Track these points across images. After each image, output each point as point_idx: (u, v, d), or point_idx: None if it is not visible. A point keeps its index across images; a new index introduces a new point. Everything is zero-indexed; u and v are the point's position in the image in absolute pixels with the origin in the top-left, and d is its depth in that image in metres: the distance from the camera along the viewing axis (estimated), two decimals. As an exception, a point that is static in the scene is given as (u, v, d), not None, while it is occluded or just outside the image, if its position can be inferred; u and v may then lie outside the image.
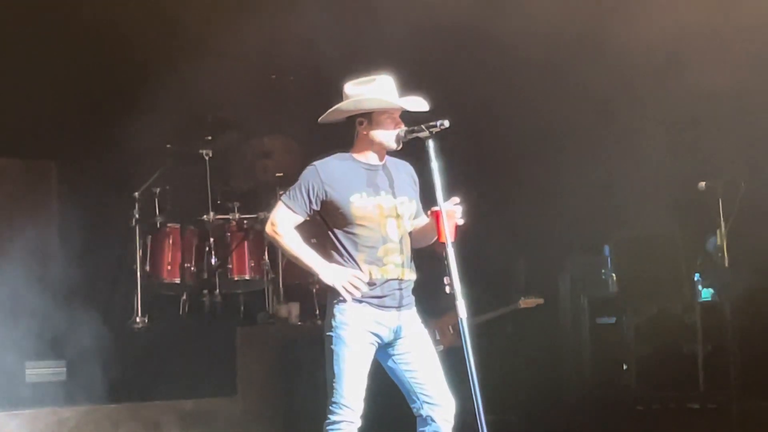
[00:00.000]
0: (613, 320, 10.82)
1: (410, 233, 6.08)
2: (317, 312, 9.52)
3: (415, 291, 6.13)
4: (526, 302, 9.99)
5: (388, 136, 5.91)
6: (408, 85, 6.14)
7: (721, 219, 8.46)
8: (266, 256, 9.59)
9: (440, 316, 9.22)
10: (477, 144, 10.09)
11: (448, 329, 9.37)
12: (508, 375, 10.13)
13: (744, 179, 8.43)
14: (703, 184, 8.49)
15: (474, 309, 9.12)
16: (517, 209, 10.33)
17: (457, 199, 5.81)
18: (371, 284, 5.82)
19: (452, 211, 5.78)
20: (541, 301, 10.04)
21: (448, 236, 5.71)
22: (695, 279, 10.34)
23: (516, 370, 10.31)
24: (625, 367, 10.59)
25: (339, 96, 6.04)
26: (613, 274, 10.78)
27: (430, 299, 6.50)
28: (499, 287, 10.43)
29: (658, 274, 10.28)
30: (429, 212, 5.91)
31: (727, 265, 8.64)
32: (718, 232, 8.55)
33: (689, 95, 8.52)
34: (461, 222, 5.82)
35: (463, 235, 6.06)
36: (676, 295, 10.23)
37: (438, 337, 9.58)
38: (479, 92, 9.46)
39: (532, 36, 8.41)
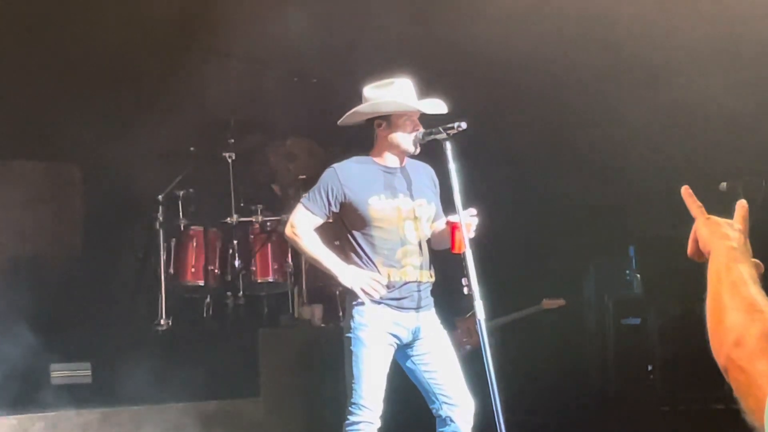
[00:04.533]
0: (637, 321, 10.78)
1: (430, 236, 6.11)
2: (341, 314, 9.50)
3: (441, 291, 6.16)
4: (548, 303, 9.99)
5: (406, 138, 5.93)
6: (429, 88, 6.15)
7: (743, 219, 8.43)
8: (290, 259, 9.58)
9: (467, 315, 9.22)
10: (501, 145, 10.08)
11: (475, 329, 9.35)
12: (532, 376, 10.11)
13: (765, 179, 8.40)
14: (724, 184, 8.46)
15: (498, 310, 9.18)
16: (541, 210, 10.32)
17: (473, 211, 5.82)
18: (389, 287, 5.85)
19: (468, 224, 5.79)
20: (563, 302, 10.04)
21: (467, 247, 5.72)
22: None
23: (540, 371, 10.29)
24: (650, 368, 10.55)
25: (360, 99, 6.08)
26: (638, 275, 10.75)
27: (457, 299, 6.51)
28: (524, 289, 10.42)
29: (682, 274, 10.23)
30: (446, 221, 5.93)
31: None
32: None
33: (709, 94, 8.51)
34: (473, 235, 5.82)
35: (487, 237, 6.08)
36: (701, 296, 10.20)
37: (465, 338, 9.58)
38: (502, 94, 9.45)
39: (550, 38, 8.40)
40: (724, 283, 2.21)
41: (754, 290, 2.16)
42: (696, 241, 2.40)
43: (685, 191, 2.48)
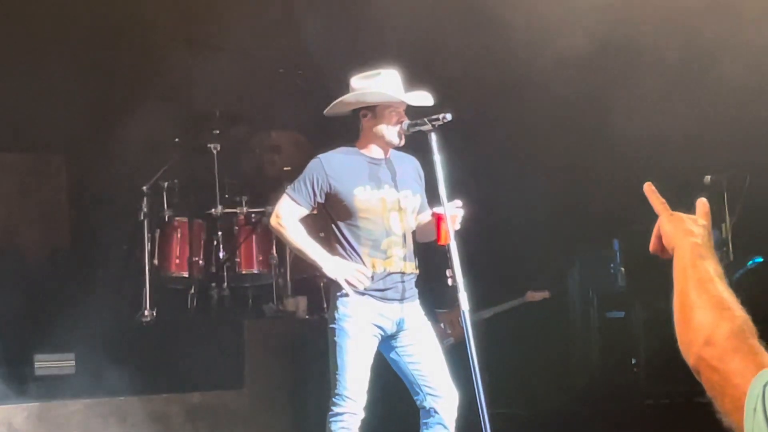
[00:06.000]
0: (622, 314, 10.80)
1: (415, 227, 6.11)
2: (325, 306, 9.49)
3: (424, 283, 6.16)
4: (533, 295, 9.98)
5: (390, 130, 5.93)
6: (416, 80, 6.15)
7: (726, 213, 8.45)
8: (274, 250, 9.56)
9: (450, 308, 9.22)
10: (488, 138, 10.09)
11: (458, 321, 9.35)
12: (517, 369, 10.12)
13: (749, 173, 8.42)
14: (708, 178, 8.47)
15: (482, 303, 9.19)
16: (526, 203, 10.32)
17: (459, 203, 5.82)
18: (373, 278, 5.85)
19: (453, 216, 5.79)
20: (547, 294, 10.03)
21: (452, 238, 5.73)
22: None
23: (525, 365, 10.30)
24: (633, 361, 10.57)
25: (347, 90, 6.08)
26: (622, 269, 10.76)
27: (440, 292, 6.51)
28: (508, 281, 10.42)
29: (667, 268, 10.23)
30: (431, 213, 5.94)
31: (732, 259, 8.61)
32: (723, 225, 8.53)
33: (693, 88, 8.52)
34: (458, 227, 5.83)
35: (472, 229, 6.09)
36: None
37: (448, 330, 9.58)
38: (489, 86, 9.46)
39: (536, 32, 8.41)
40: (690, 280, 2.19)
41: (721, 287, 2.16)
42: (659, 237, 2.39)
43: (648, 188, 2.47)
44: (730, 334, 2.05)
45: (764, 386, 1.93)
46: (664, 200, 2.42)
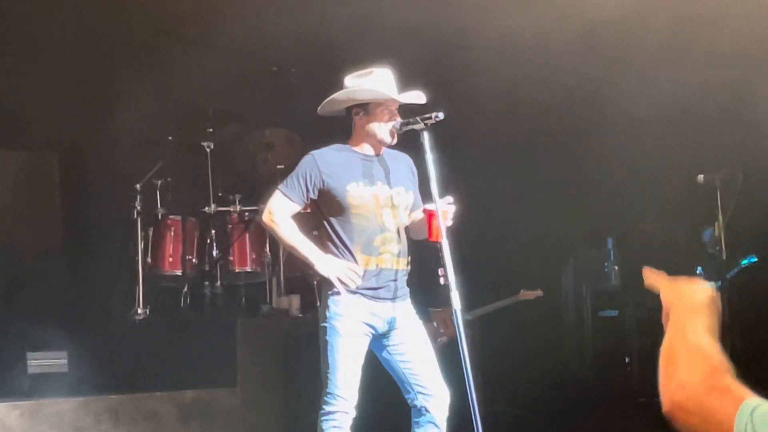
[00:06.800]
0: (615, 313, 10.79)
1: (408, 224, 6.11)
2: (318, 304, 9.49)
3: (417, 282, 6.15)
4: (525, 294, 9.95)
5: (382, 128, 5.93)
6: (410, 79, 6.15)
7: (719, 211, 8.44)
8: (267, 248, 9.56)
9: (443, 307, 9.20)
10: (481, 136, 10.08)
11: (451, 320, 9.32)
12: (511, 368, 10.12)
13: (742, 171, 8.41)
14: (701, 177, 8.46)
15: (475, 301, 9.18)
16: (520, 202, 10.33)
17: (450, 199, 5.82)
18: (365, 274, 5.84)
19: (444, 212, 5.78)
20: (540, 293, 10.01)
21: (444, 235, 5.72)
22: (697, 272, 10.31)
23: (519, 363, 10.29)
24: (627, 359, 10.57)
25: (340, 88, 6.08)
26: (616, 267, 10.76)
27: (433, 290, 6.49)
28: (501, 280, 10.41)
29: (660, 267, 10.21)
30: (422, 210, 5.94)
31: (725, 257, 8.59)
32: (716, 224, 8.52)
33: (687, 87, 8.53)
34: (450, 224, 5.82)
35: (465, 227, 6.09)
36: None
37: (441, 329, 9.57)
38: (482, 84, 9.46)
39: (530, 34, 8.42)
40: (677, 333, 2.23)
41: (705, 339, 2.19)
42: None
43: (647, 272, 2.50)
44: (703, 378, 2.08)
45: (751, 412, 1.95)
46: (662, 272, 2.45)
